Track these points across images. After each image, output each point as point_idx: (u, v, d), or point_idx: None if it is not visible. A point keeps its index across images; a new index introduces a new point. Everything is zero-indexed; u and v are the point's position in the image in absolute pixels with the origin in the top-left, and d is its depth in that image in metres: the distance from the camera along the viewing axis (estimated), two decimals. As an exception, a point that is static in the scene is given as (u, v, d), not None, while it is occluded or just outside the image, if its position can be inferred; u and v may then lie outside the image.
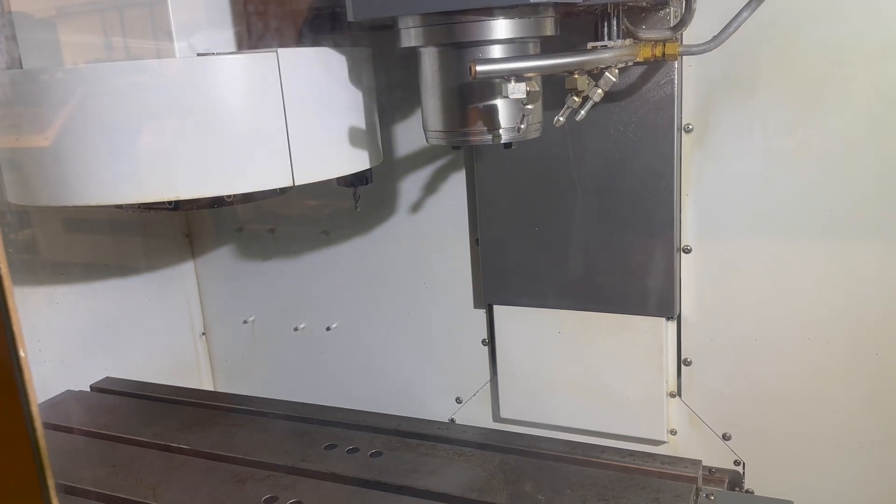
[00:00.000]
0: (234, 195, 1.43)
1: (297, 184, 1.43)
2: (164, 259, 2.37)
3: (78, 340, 2.11)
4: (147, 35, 1.46)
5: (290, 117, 1.40)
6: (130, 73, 1.32)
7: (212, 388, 2.50)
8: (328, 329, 2.24)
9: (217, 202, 1.47)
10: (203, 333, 2.47)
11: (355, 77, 1.56)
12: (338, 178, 1.62)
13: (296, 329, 2.28)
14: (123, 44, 1.50)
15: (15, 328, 0.69)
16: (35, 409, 0.70)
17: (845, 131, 1.52)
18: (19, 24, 1.51)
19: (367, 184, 1.76)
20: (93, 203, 1.35)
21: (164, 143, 1.33)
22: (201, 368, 2.48)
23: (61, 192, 1.36)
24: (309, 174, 1.46)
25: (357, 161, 1.60)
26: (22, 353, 0.69)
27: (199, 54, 1.44)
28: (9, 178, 1.45)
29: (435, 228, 2.00)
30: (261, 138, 1.38)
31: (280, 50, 1.38)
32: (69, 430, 1.82)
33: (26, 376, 0.70)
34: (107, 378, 2.13)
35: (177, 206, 1.49)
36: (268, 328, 2.35)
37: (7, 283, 0.70)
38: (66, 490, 1.52)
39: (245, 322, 2.37)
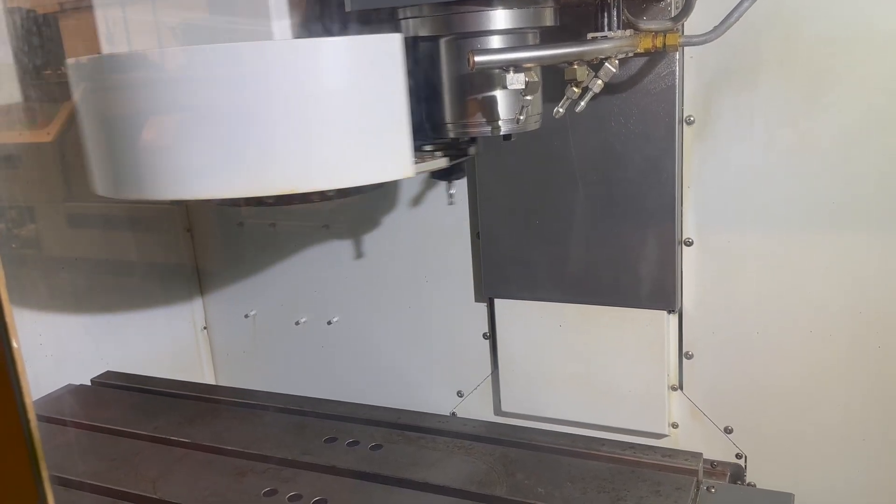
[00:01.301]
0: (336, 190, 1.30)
1: (415, 174, 1.31)
2: (165, 253, 2.37)
3: (79, 334, 2.12)
4: (244, 13, 1.37)
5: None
6: (238, 56, 1.17)
7: (213, 383, 2.50)
8: (329, 323, 2.24)
9: (304, 199, 1.33)
10: (204, 327, 2.47)
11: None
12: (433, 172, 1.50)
13: (297, 323, 2.28)
14: (216, 24, 1.40)
15: (7, 319, 0.69)
16: (28, 401, 0.70)
17: (847, 123, 1.51)
18: (99, 4, 1.43)
19: (463, 177, 1.61)
20: (200, 197, 1.23)
21: (275, 133, 1.18)
22: (203, 362, 2.48)
23: (172, 186, 1.21)
24: (423, 164, 1.36)
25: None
26: (15, 344, 0.69)
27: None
28: (96, 171, 1.32)
29: (436, 222, 1.99)
30: (382, 127, 1.25)
31: (400, 35, 1.25)
32: (70, 423, 1.83)
33: (19, 367, 0.69)
34: (108, 372, 2.14)
35: (276, 202, 1.34)
36: (269, 322, 2.35)
37: (-1, 274, 0.70)
38: (66, 483, 1.52)
39: (246, 316, 2.37)
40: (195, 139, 1.17)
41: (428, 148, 1.55)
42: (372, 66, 1.21)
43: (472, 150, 1.43)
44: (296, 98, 1.17)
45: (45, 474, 0.72)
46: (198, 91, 1.16)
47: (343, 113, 1.20)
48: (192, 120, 1.17)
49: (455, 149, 1.41)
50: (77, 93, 1.28)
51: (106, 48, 1.42)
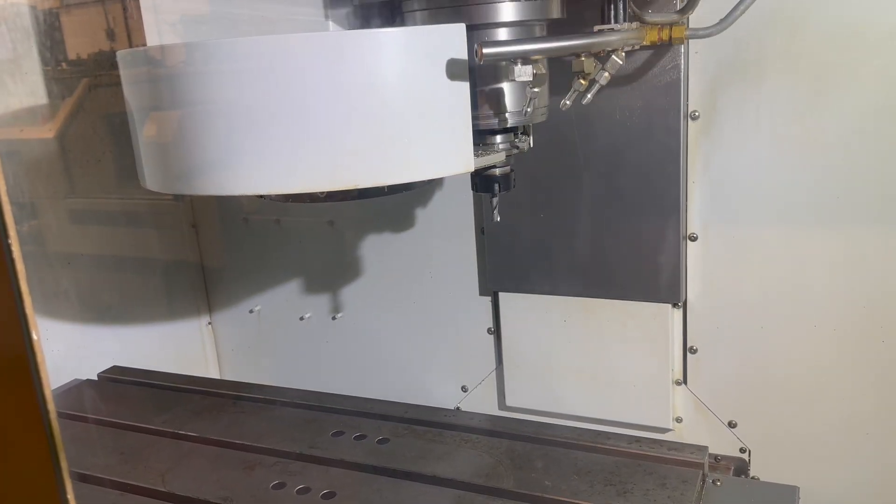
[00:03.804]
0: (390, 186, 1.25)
1: (475, 168, 1.28)
2: (171, 249, 2.37)
3: (85, 329, 2.12)
4: (292, 3, 1.33)
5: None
6: (294, 48, 1.14)
7: (218, 378, 2.51)
8: (333, 318, 2.24)
9: (365, 193, 1.27)
10: (209, 323, 2.47)
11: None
12: (478, 185, 1.44)
13: (301, 318, 2.29)
14: (260, 15, 1.36)
15: (28, 311, 0.69)
16: (48, 393, 0.70)
17: (852, 118, 1.51)
18: None
19: (510, 188, 1.48)
20: (257, 192, 1.19)
21: (335, 128, 1.15)
22: (208, 358, 2.49)
23: (229, 180, 1.18)
24: (481, 159, 1.33)
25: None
26: (35, 336, 0.70)
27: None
28: (149, 165, 1.29)
29: (440, 216, 2.00)
30: (445, 121, 1.21)
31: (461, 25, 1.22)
32: (77, 418, 1.83)
33: (39, 359, 0.70)
34: (114, 367, 2.14)
35: (327, 196, 1.30)
36: (274, 318, 2.35)
37: (20, 266, 0.70)
38: (75, 477, 1.53)
39: (251, 311, 2.37)
40: (253, 134, 1.14)
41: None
42: (435, 58, 1.17)
43: (523, 144, 1.39)
44: (356, 91, 1.14)
45: (64, 465, 0.73)
46: (257, 84, 1.13)
47: (405, 106, 1.17)
48: (250, 114, 1.14)
49: (508, 143, 1.37)
50: (127, 86, 1.25)
51: (152, 40, 1.38)
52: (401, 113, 1.17)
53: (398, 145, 1.18)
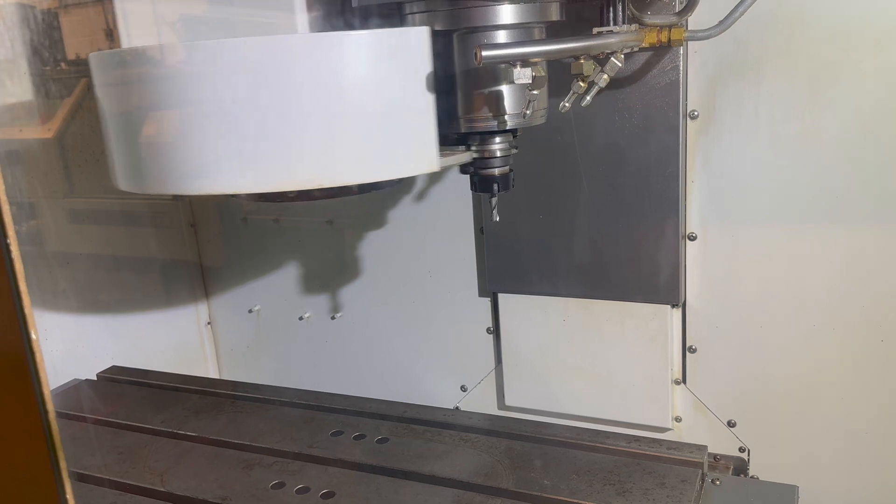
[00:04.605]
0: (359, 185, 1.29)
1: (440, 168, 1.29)
2: (169, 249, 2.37)
3: (84, 329, 2.12)
4: (267, 6, 1.34)
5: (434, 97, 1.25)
6: (265, 49, 1.16)
7: (217, 377, 2.51)
8: (333, 318, 2.24)
9: (334, 193, 1.29)
10: (208, 323, 2.48)
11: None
12: (477, 185, 1.44)
13: (301, 318, 2.29)
14: (237, 17, 1.37)
15: (27, 311, 0.70)
16: (47, 392, 0.71)
17: (851, 117, 1.52)
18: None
19: (509, 189, 1.49)
20: (224, 192, 1.21)
21: (304, 128, 1.18)
22: (207, 358, 2.49)
23: (195, 180, 1.20)
24: (448, 158, 1.34)
25: None
26: (34, 336, 0.70)
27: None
28: (119, 165, 1.31)
29: (439, 217, 2.00)
30: (409, 121, 1.23)
31: (426, 27, 1.24)
32: (76, 418, 1.83)
33: (38, 359, 0.70)
34: (113, 366, 2.14)
35: (297, 196, 1.30)
36: (273, 317, 2.35)
37: (18, 266, 0.70)
38: (73, 477, 1.53)
39: (250, 311, 2.37)
40: (218, 133, 1.17)
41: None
42: (398, 60, 1.20)
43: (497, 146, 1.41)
44: (320, 92, 1.16)
45: (63, 465, 0.73)
46: (220, 85, 1.16)
47: (368, 107, 1.19)
48: (214, 114, 1.16)
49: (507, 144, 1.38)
50: (98, 87, 1.27)
51: (125, 42, 1.41)
52: (363, 114, 1.19)
53: (361, 145, 1.20)
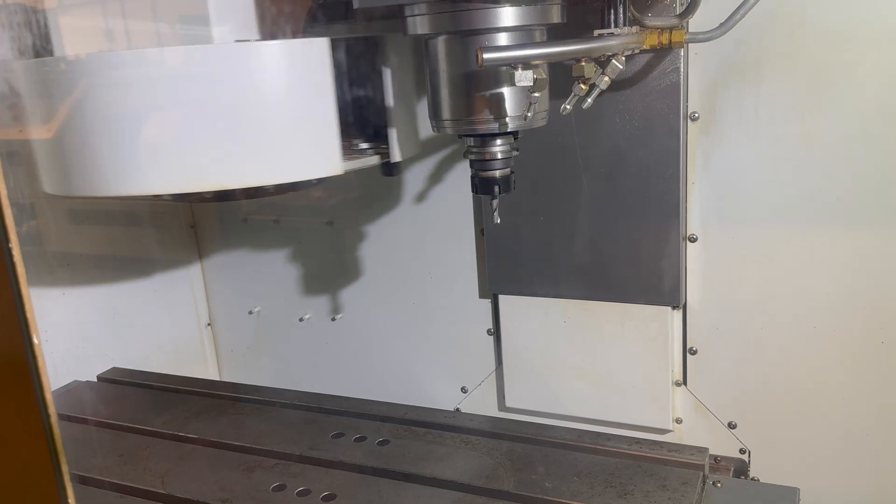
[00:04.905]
0: (277, 186, 1.37)
1: (345, 171, 1.38)
2: (169, 250, 2.37)
3: (84, 331, 2.12)
4: (183, 20, 1.41)
5: (339, 104, 1.35)
6: (175, 59, 1.26)
7: (218, 379, 2.51)
8: (333, 319, 2.24)
9: (252, 193, 1.39)
10: (209, 324, 2.47)
11: (399, 64, 1.53)
12: (478, 187, 1.47)
13: (301, 319, 2.29)
14: (158, 29, 1.45)
15: (29, 315, 0.70)
16: (49, 396, 0.70)
17: (852, 118, 1.52)
18: (51, 10, 1.47)
19: (510, 191, 1.47)
20: (136, 193, 1.30)
21: (210, 133, 1.26)
22: (207, 359, 2.48)
23: (102, 183, 1.30)
24: (355, 161, 1.43)
25: (402, 148, 1.57)
26: (36, 340, 0.70)
27: (236, 41, 1.39)
28: (44, 169, 1.39)
29: (440, 218, 2.00)
30: (311, 126, 1.32)
31: (329, 38, 1.34)
32: (76, 420, 1.83)
33: (40, 363, 0.70)
34: (113, 368, 2.14)
35: (214, 197, 1.42)
36: (273, 319, 2.35)
37: (20, 270, 0.70)
38: (74, 479, 1.53)
39: (250, 313, 2.37)
40: (132, 138, 1.25)
41: (364, 146, 1.62)
42: (299, 68, 1.29)
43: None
44: (224, 99, 1.25)
45: (65, 468, 0.73)
46: (132, 92, 1.24)
47: (271, 113, 1.27)
48: (127, 120, 1.24)
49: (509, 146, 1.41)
50: (24, 94, 1.36)
51: (57, 51, 1.49)
52: (267, 119, 1.27)
53: (264, 149, 1.28)
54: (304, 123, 1.32)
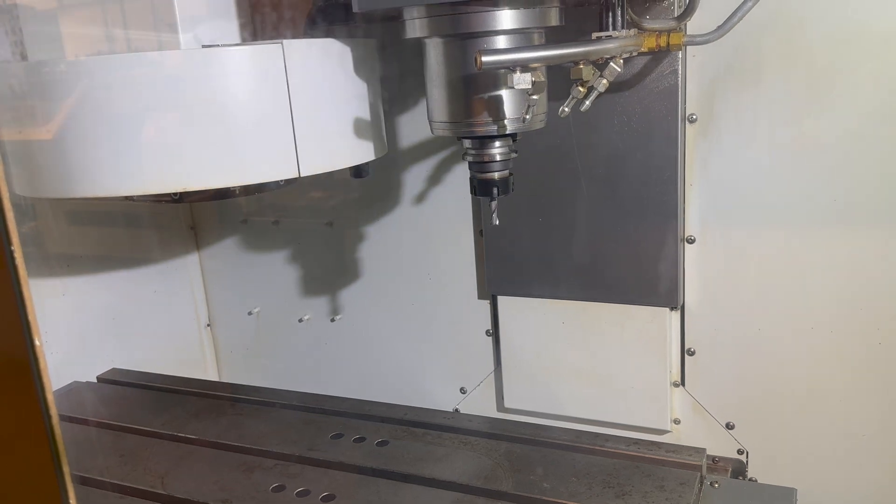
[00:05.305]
0: (241, 187, 1.43)
1: (302, 175, 1.43)
2: (169, 251, 2.38)
3: (84, 332, 2.13)
4: (152, 27, 1.46)
5: (296, 109, 1.40)
6: (136, 65, 1.31)
7: (217, 380, 2.51)
8: (332, 320, 2.25)
9: (223, 194, 1.46)
10: (208, 325, 2.48)
11: (361, 68, 1.56)
12: (477, 189, 1.50)
13: (300, 320, 2.29)
14: (128, 35, 1.49)
15: (30, 317, 0.70)
16: (50, 397, 0.71)
17: (850, 121, 1.52)
18: (24, 16, 1.51)
19: (509, 192, 1.49)
20: (99, 195, 1.35)
21: (170, 136, 1.32)
22: (206, 359, 2.49)
23: (67, 185, 1.36)
24: (314, 165, 1.46)
25: (362, 152, 1.60)
26: (37, 342, 0.70)
27: (203, 46, 1.44)
28: (16, 170, 1.44)
29: (439, 219, 2.00)
30: (267, 130, 1.38)
31: (285, 42, 1.38)
32: (76, 421, 1.84)
33: (41, 364, 0.71)
34: (113, 369, 2.15)
35: (181, 198, 1.48)
36: (272, 319, 2.36)
37: (22, 272, 0.71)
38: (74, 480, 1.53)
39: (250, 313, 2.38)
40: (96, 141, 1.30)
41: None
42: (255, 74, 1.34)
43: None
44: (184, 103, 1.31)
45: (66, 469, 0.74)
46: (96, 97, 1.29)
47: (230, 117, 1.33)
48: (90, 123, 1.30)
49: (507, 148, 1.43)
50: None
51: (30, 56, 1.54)
52: (227, 123, 1.33)
53: (225, 152, 1.34)
54: (265, 127, 1.37)
